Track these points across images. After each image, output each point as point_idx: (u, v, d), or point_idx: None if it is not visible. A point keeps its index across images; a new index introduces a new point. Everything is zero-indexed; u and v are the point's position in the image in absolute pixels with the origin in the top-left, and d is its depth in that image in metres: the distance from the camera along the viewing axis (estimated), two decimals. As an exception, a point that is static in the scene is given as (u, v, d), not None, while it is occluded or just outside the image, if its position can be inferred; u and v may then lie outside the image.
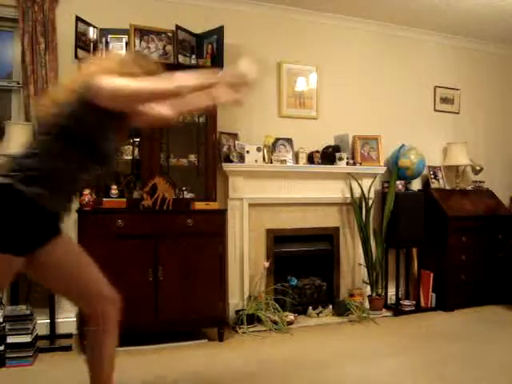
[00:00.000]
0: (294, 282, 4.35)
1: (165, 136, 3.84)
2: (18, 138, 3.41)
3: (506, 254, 4.83)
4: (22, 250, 1.84)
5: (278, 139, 4.38)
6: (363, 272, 4.61)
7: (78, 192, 2.01)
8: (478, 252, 4.76)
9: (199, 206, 3.71)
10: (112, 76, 1.92)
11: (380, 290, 4.61)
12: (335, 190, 4.52)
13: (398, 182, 4.65)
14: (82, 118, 1.89)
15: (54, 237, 1.95)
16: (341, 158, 4.48)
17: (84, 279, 2.06)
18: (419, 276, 4.74)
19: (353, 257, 4.67)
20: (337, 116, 4.73)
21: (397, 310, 4.56)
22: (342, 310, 4.31)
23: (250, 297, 4.11)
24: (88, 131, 1.92)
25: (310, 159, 4.47)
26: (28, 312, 3.20)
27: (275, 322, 3.90)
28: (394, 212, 4.55)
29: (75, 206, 3.61)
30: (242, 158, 4.14)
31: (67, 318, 3.72)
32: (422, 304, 4.71)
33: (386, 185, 4.74)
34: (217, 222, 3.71)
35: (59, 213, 1.98)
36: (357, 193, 4.55)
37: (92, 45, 3.71)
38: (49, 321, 3.52)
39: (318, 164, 4.45)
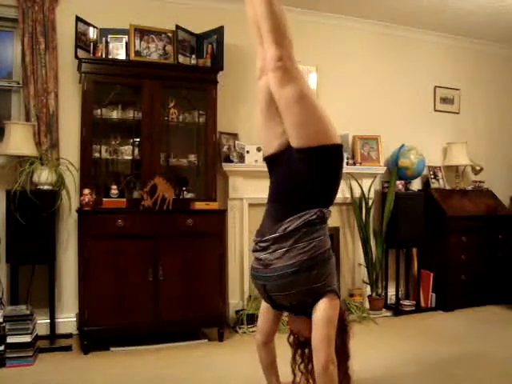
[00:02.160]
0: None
1: (165, 136, 3.84)
2: (18, 138, 3.42)
3: (505, 254, 4.83)
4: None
5: (277, 139, 4.37)
6: (363, 272, 4.61)
7: None
8: (478, 252, 4.76)
9: (199, 205, 3.71)
10: None
11: (380, 290, 4.61)
12: (335, 190, 4.51)
13: (398, 182, 4.65)
14: None
15: None
16: (341, 158, 4.48)
17: None
18: (419, 276, 4.74)
19: (353, 257, 4.67)
20: (337, 116, 4.66)
21: (397, 310, 4.56)
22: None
23: (250, 297, 4.11)
24: None
25: (310, 159, 4.47)
26: (28, 312, 3.20)
27: (275, 322, 3.89)
28: (393, 212, 4.54)
29: (75, 205, 3.63)
30: (241, 158, 4.14)
31: (67, 318, 3.72)
32: (422, 304, 4.71)
33: (385, 185, 4.74)
34: (217, 221, 3.71)
35: None
36: (357, 193, 4.56)
37: (92, 45, 3.71)
38: (49, 321, 3.52)
39: (318, 164, 4.44)
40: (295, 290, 2.04)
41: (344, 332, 2.23)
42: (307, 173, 2.08)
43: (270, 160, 2.25)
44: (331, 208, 2.22)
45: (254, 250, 2.18)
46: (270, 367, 2.38)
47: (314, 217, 2.05)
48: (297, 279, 2.01)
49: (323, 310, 2.03)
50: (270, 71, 2.10)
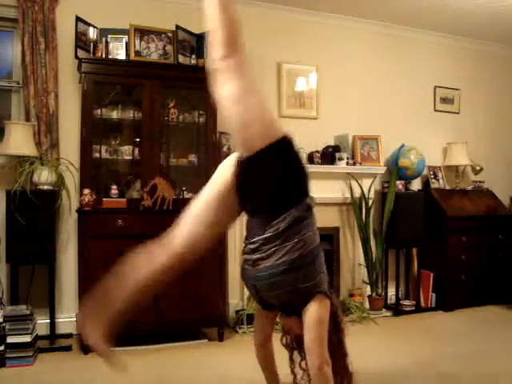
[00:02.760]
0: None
1: (165, 136, 3.84)
2: (18, 138, 3.43)
3: (505, 254, 4.83)
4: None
5: (277, 139, 4.37)
6: (363, 272, 4.61)
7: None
8: (478, 252, 4.76)
9: (199, 205, 3.70)
10: None
11: (380, 290, 4.61)
12: (335, 190, 4.52)
13: (398, 182, 4.65)
14: None
15: None
16: (341, 158, 4.48)
17: None
18: (419, 276, 4.74)
19: (353, 257, 4.67)
20: (337, 116, 4.72)
21: (397, 310, 4.56)
22: (341, 310, 4.31)
23: (250, 297, 4.10)
24: None
25: (310, 159, 4.47)
26: (28, 312, 3.20)
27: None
28: (393, 212, 4.54)
29: (75, 205, 3.63)
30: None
31: (67, 318, 3.71)
32: (422, 304, 4.71)
33: (385, 185, 4.74)
34: (217, 221, 3.70)
35: None
36: (357, 193, 4.55)
37: (92, 45, 3.71)
38: (49, 321, 3.52)
39: (318, 164, 4.45)
40: (284, 289, 2.02)
41: (338, 330, 2.22)
42: (274, 176, 2.03)
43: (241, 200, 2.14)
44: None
45: (245, 253, 2.15)
46: (270, 369, 2.39)
47: (300, 212, 2.03)
48: (286, 278, 1.99)
49: (313, 312, 2.02)
50: (211, 71, 2.03)
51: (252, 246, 2.08)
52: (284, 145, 2.05)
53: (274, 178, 2.03)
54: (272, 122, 2.09)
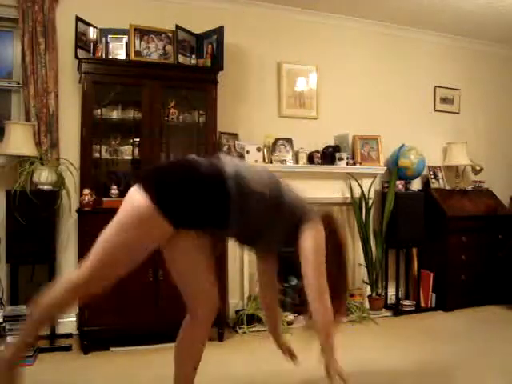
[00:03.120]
0: (295, 281, 4.35)
1: (165, 136, 3.84)
2: (18, 138, 3.43)
3: (505, 254, 4.83)
4: (182, 221, 1.91)
5: (277, 139, 4.38)
6: (363, 272, 4.61)
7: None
8: (478, 252, 4.76)
9: (199, 205, 3.70)
10: None
11: (380, 290, 4.61)
12: (335, 190, 4.52)
13: (398, 182, 4.65)
14: None
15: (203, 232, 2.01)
16: (341, 158, 4.48)
17: (192, 284, 2.22)
18: (419, 276, 4.74)
19: (353, 257, 4.66)
20: (337, 116, 4.73)
21: (397, 310, 4.56)
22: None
23: (249, 297, 4.11)
24: None
25: (310, 159, 4.47)
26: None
27: (275, 322, 3.89)
28: (393, 212, 4.54)
29: (75, 205, 3.63)
30: (242, 158, 4.14)
31: (67, 318, 3.71)
32: (422, 304, 4.71)
33: (385, 185, 4.74)
34: (217, 221, 3.70)
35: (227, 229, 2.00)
36: (357, 193, 4.55)
37: (92, 45, 3.72)
38: (49, 321, 3.52)
39: (318, 164, 4.45)
40: (284, 232, 2.11)
41: (339, 255, 2.21)
42: (198, 203, 1.91)
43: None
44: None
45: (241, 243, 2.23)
46: (274, 329, 2.44)
47: (236, 189, 1.90)
48: (280, 223, 2.05)
49: (307, 239, 2.06)
50: None
51: (241, 239, 2.16)
52: (165, 201, 1.90)
53: (200, 204, 1.91)
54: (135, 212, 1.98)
